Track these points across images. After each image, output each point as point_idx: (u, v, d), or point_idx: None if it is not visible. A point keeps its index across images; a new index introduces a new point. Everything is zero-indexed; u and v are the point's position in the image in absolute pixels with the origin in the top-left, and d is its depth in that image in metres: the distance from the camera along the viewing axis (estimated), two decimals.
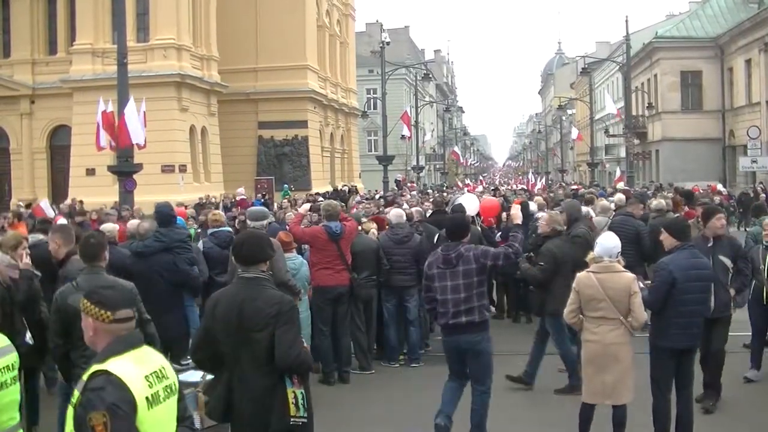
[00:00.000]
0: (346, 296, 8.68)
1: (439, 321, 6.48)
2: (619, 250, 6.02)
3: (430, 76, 51.87)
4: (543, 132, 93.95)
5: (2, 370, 3.61)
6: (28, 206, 19.50)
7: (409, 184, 39.41)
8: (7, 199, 31.36)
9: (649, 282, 6.35)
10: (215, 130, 33.44)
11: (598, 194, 16.16)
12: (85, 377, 2.84)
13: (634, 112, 43.86)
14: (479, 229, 10.83)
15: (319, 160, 40.31)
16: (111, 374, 2.78)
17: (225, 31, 33.87)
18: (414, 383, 8.56)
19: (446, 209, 12.33)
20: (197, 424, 5.08)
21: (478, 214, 11.30)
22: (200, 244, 9.38)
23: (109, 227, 9.03)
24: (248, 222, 8.86)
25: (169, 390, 2.98)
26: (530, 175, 65.36)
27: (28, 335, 5.74)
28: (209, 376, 4.80)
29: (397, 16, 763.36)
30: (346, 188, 35.19)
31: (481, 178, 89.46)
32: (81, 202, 21.60)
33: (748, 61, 36.62)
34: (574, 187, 28.13)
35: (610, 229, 8.93)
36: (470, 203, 11.19)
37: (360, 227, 9.52)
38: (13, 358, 3.71)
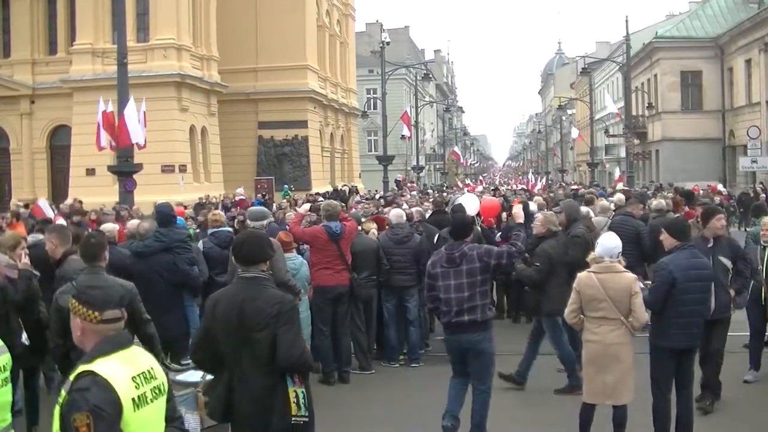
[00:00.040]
0: (346, 296, 8.68)
1: (441, 320, 6.49)
2: (620, 250, 6.01)
3: (430, 76, 51.86)
4: (543, 132, 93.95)
5: None
6: (26, 206, 19.48)
7: (409, 184, 39.39)
8: (7, 199, 31.34)
9: (649, 282, 6.35)
10: (215, 130, 33.43)
11: (598, 194, 16.16)
12: (71, 377, 2.83)
13: (634, 112, 43.85)
14: (479, 229, 10.82)
15: (319, 160, 40.30)
16: (97, 375, 2.76)
17: (225, 31, 33.87)
18: (414, 383, 8.56)
19: (446, 209, 12.33)
20: (197, 424, 5.08)
21: (478, 214, 11.28)
22: (200, 244, 9.38)
23: (109, 227, 9.03)
24: (248, 222, 8.87)
25: (157, 391, 2.97)
26: (530, 175, 65.35)
27: (24, 336, 5.74)
28: (209, 376, 4.80)
29: (397, 16, 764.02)
30: (346, 188, 35.18)
31: (481, 178, 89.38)
32: (80, 202, 21.59)
33: (748, 61, 36.62)
34: (574, 187, 28.12)
35: (610, 229, 8.92)
36: (470, 203, 11.18)
37: (360, 227, 9.52)
38: (5, 359, 3.69)
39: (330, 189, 35.04)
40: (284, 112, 36.78)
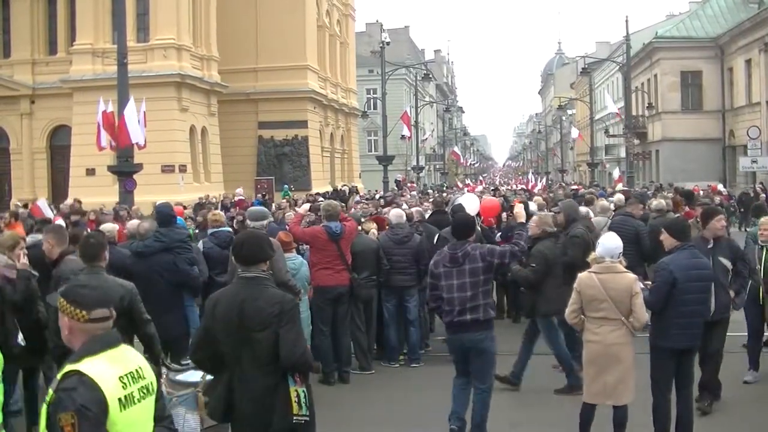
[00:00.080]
0: (346, 296, 8.68)
1: (444, 319, 6.50)
2: (621, 250, 6.01)
3: (430, 76, 51.83)
4: (543, 132, 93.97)
5: None
6: (25, 206, 19.46)
7: (409, 185, 39.40)
8: (7, 199, 31.29)
9: (650, 282, 6.34)
10: (215, 130, 33.44)
11: (597, 194, 16.16)
12: (58, 376, 2.83)
13: (634, 112, 43.85)
14: (479, 229, 10.82)
15: (319, 160, 40.30)
16: (83, 375, 2.76)
17: (225, 31, 33.87)
18: (414, 383, 8.56)
19: (446, 209, 12.32)
20: (197, 424, 5.07)
21: (478, 214, 11.28)
22: (200, 244, 9.37)
23: (109, 227, 9.03)
24: (248, 222, 8.86)
25: (145, 390, 2.96)
26: (530, 175, 65.31)
27: (20, 336, 5.73)
28: (209, 376, 4.80)
29: (397, 16, 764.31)
30: (346, 188, 35.18)
31: (481, 178, 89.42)
32: (79, 202, 21.58)
33: (748, 61, 36.62)
34: (574, 187, 28.14)
35: (610, 229, 8.91)
36: (470, 203, 11.18)
37: (360, 227, 9.51)
38: None
39: (330, 189, 35.05)
40: (284, 112, 36.78)
